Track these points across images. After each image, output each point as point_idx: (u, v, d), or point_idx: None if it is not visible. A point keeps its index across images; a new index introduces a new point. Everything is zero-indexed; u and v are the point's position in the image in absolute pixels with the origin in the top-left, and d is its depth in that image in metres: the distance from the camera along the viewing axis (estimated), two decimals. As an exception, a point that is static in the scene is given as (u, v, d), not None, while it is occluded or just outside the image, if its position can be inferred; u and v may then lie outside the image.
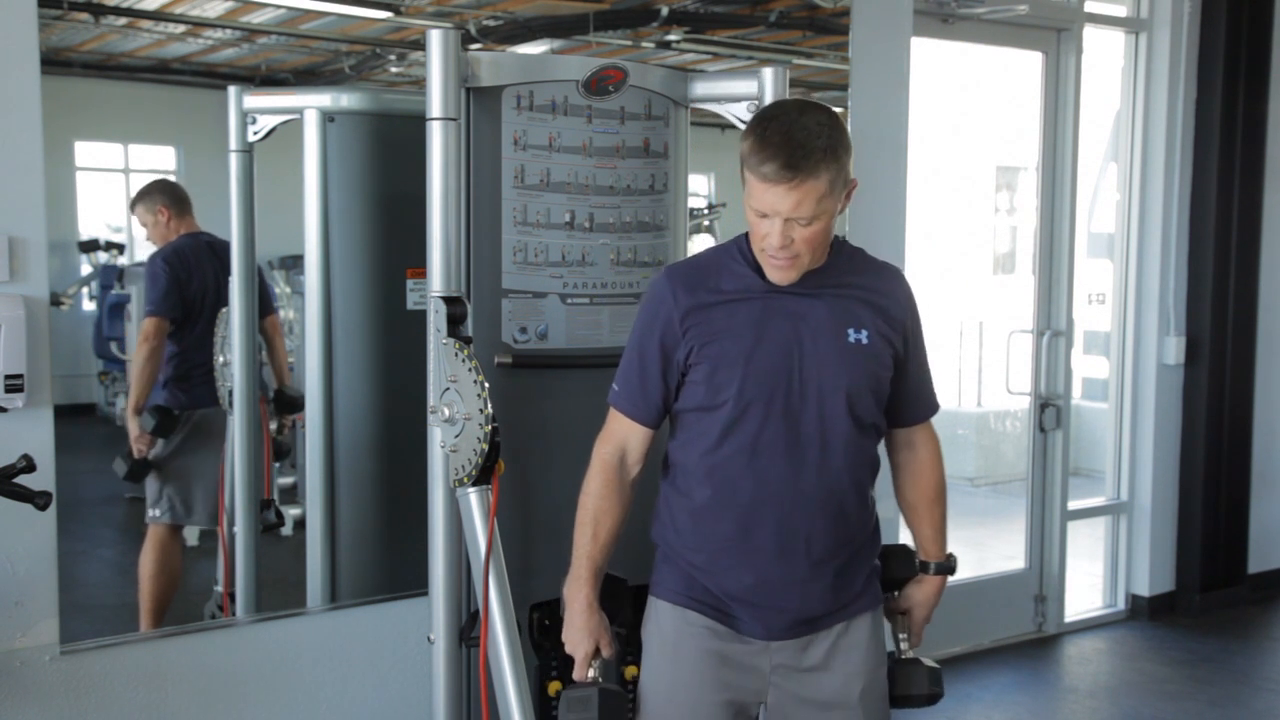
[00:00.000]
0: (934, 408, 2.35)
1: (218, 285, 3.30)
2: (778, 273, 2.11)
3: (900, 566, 2.40)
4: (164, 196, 3.26)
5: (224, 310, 3.29)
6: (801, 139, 1.98)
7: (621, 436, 2.25)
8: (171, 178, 3.44)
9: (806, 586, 2.18)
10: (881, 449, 2.31)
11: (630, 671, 2.90)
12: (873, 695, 2.27)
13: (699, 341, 2.14)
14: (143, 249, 3.47)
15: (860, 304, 2.18)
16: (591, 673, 2.27)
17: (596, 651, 2.27)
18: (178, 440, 3.32)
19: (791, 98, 2.16)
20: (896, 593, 2.41)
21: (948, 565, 2.40)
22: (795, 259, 2.07)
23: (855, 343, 2.15)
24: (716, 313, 2.14)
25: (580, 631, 2.25)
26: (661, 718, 2.27)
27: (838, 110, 2.28)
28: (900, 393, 2.25)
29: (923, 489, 2.35)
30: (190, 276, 3.29)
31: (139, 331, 3.28)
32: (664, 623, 2.26)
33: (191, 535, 3.50)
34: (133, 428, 3.24)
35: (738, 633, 2.21)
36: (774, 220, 2.03)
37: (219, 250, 3.26)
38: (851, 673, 2.24)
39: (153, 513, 3.31)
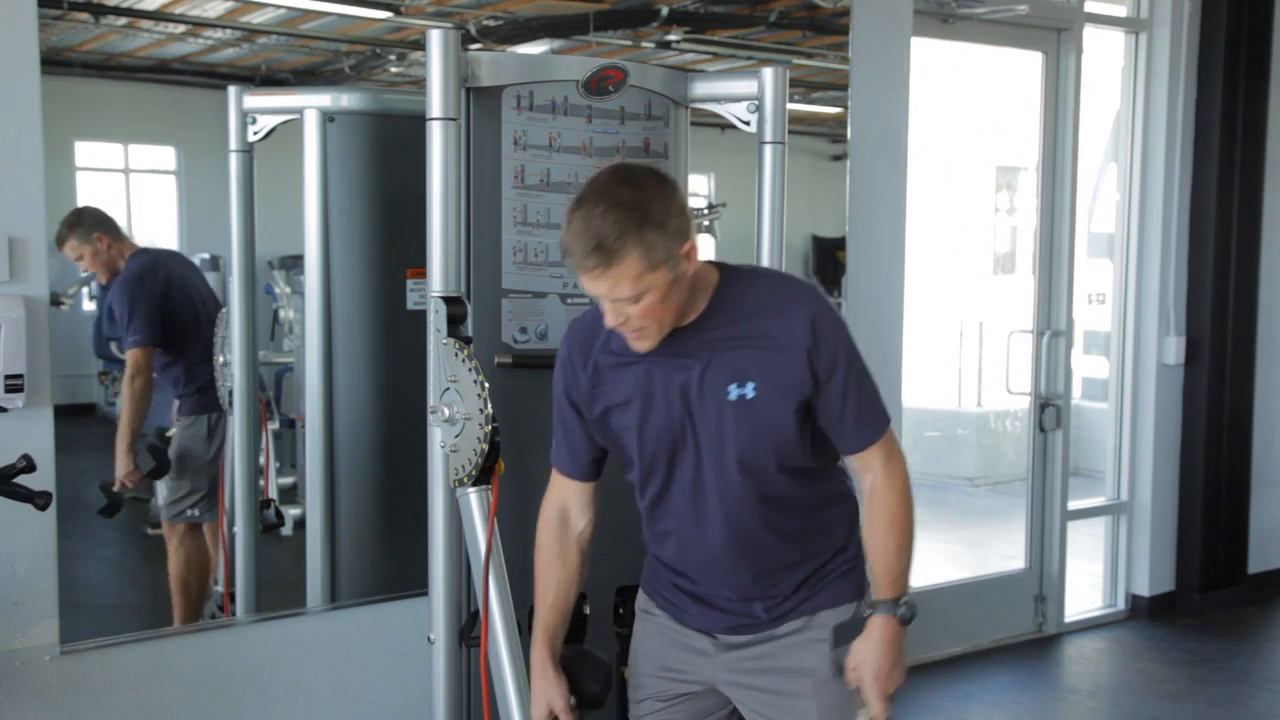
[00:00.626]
0: (873, 434, 2.12)
1: (201, 291, 3.31)
2: (634, 345, 2.07)
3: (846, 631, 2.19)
4: (97, 224, 3.14)
5: (224, 310, 3.29)
6: (599, 227, 1.92)
7: (559, 493, 2.29)
8: (173, 178, 3.44)
9: (748, 606, 2.20)
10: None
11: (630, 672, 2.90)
12: (828, 690, 2.20)
13: (600, 405, 2.17)
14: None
15: (744, 354, 2.06)
16: None
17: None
18: (217, 444, 3.34)
19: (612, 169, 2.03)
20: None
21: (895, 608, 2.12)
22: (641, 330, 2.03)
23: (739, 399, 2.06)
24: (609, 375, 2.15)
25: (534, 693, 2.27)
26: (633, 672, 2.37)
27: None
28: (830, 425, 2.10)
29: (871, 519, 2.15)
30: (169, 291, 3.27)
31: (127, 365, 3.19)
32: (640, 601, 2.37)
33: (191, 535, 3.51)
34: (123, 464, 3.17)
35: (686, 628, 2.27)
36: (604, 301, 2.00)
37: (180, 260, 3.28)
38: (803, 660, 2.21)
39: (192, 512, 3.34)
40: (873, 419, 2.12)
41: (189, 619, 3.25)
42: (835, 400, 2.08)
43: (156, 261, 3.26)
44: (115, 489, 3.16)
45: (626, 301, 1.97)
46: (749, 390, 2.05)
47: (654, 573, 2.32)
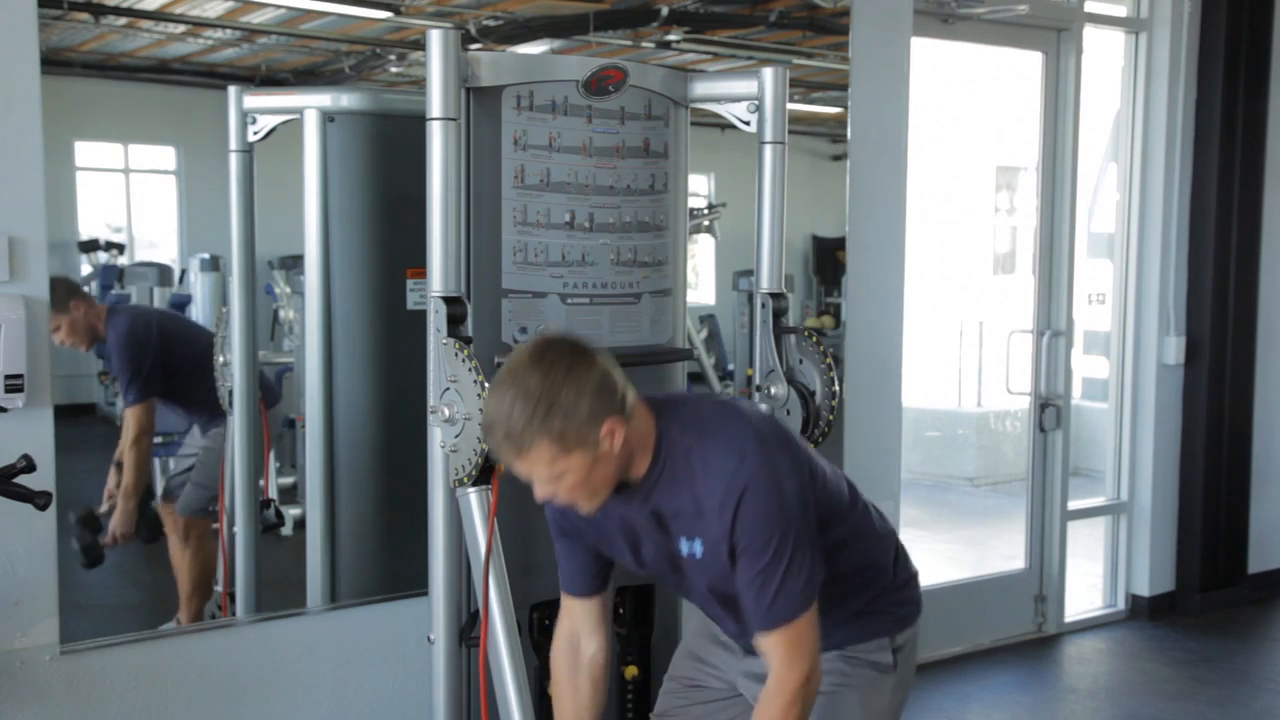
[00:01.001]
0: (773, 621, 2.02)
1: (186, 327, 3.36)
2: (578, 508, 2.07)
3: None
4: (70, 293, 3.05)
5: (224, 310, 3.29)
6: (508, 417, 1.92)
7: (568, 620, 2.31)
8: (173, 178, 3.44)
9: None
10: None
11: (630, 671, 2.90)
12: (833, 710, 2.22)
13: (592, 539, 2.20)
14: (142, 250, 3.47)
15: (685, 515, 2.05)
16: None
17: None
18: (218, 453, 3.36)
19: (530, 346, 1.99)
20: None
21: None
22: (574, 500, 2.02)
23: (689, 555, 2.07)
24: (592, 522, 2.15)
25: None
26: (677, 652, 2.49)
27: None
28: (742, 592, 2.05)
29: (757, 711, 2.08)
30: (161, 338, 3.27)
31: (131, 426, 3.17)
32: None
33: (191, 535, 3.50)
34: (125, 524, 3.14)
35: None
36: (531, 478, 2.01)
37: (153, 310, 3.30)
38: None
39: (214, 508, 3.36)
40: (782, 607, 2.01)
41: (196, 618, 3.26)
42: (744, 576, 2.02)
43: (136, 314, 3.25)
44: (103, 542, 3.12)
45: (545, 482, 1.98)
46: (696, 548, 2.06)
47: None
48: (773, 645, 2.03)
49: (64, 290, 2.99)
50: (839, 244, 4.28)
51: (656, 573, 2.20)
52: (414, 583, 2.95)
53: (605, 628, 2.29)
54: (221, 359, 3.32)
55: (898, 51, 4.25)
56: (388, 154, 3.34)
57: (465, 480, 2.43)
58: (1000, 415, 8.23)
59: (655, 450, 2.04)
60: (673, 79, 2.88)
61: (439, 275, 2.52)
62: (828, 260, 4.41)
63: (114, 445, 3.27)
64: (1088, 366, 6.51)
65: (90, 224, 3.33)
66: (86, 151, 3.26)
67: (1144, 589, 5.29)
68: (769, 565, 1.99)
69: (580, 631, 2.29)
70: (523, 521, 2.71)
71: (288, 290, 3.58)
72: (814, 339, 3.01)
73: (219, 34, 3.27)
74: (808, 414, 2.97)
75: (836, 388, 2.98)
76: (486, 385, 2.38)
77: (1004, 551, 5.57)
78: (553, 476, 1.96)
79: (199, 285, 3.50)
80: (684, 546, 2.07)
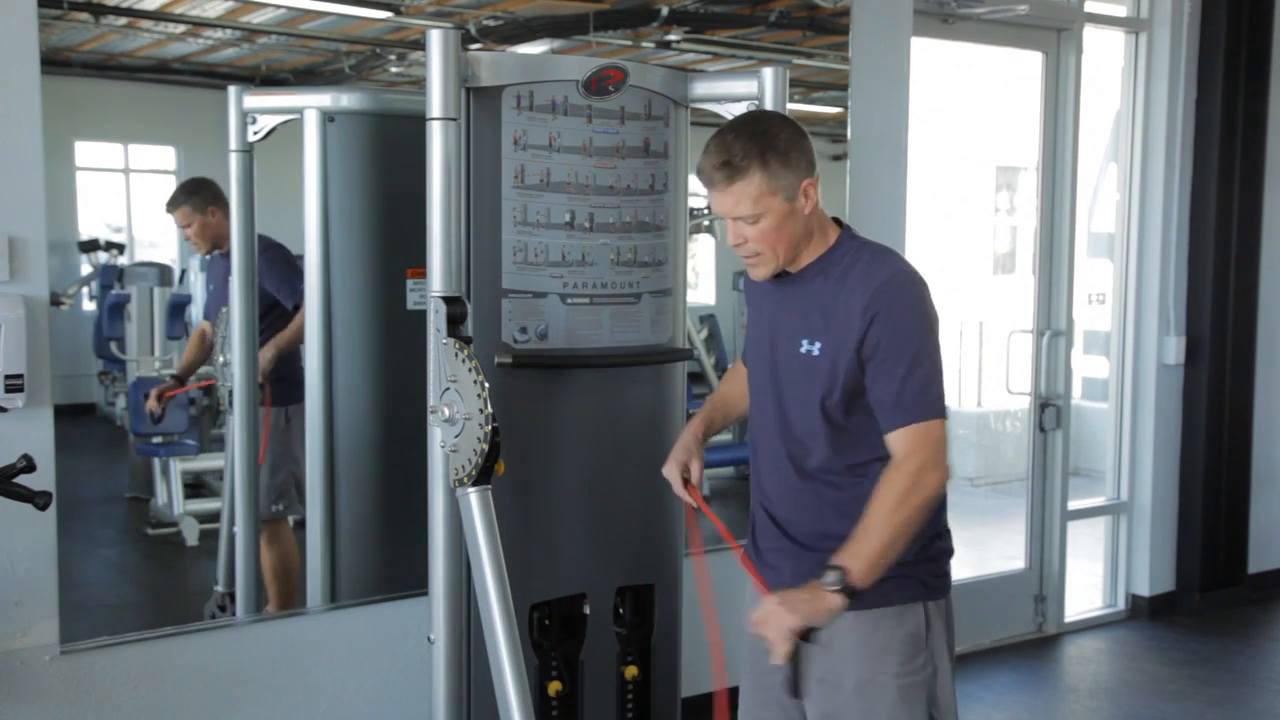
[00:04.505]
0: (903, 420, 2.13)
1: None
2: (750, 271, 2.29)
3: None
4: (214, 199, 3.24)
5: (224, 310, 3.30)
6: (729, 146, 2.16)
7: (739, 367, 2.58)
8: (173, 178, 3.44)
9: (795, 559, 2.30)
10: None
11: (630, 672, 2.90)
12: (872, 692, 2.24)
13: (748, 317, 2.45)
14: (142, 250, 3.48)
15: (820, 311, 2.23)
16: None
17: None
18: (287, 438, 3.39)
19: (749, 112, 2.32)
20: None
21: (830, 573, 2.07)
22: (758, 256, 2.23)
23: (806, 354, 2.24)
24: (754, 298, 2.41)
25: (675, 452, 2.50)
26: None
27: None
28: (873, 400, 2.17)
29: (875, 494, 2.13)
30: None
31: (296, 321, 3.33)
32: None
33: (191, 535, 3.51)
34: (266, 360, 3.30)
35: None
36: (728, 221, 2.22)
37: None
38: (849, 657, 2.24)
39: (277, 507, 3.40)
40: (912, 404, 2.13)
41: (286, 605, 3.35)
42: (871, 378, 2.17)
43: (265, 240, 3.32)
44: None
45: (745, 222, 2.18)
46: (815, 348, 2.22)
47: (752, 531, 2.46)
48: (899, 437, 2.15)
49: (209, 193, 3.23)
50: (839, 244, 4.28)
51: (753, 363, 2.38)
52: (414, 583, 2.95)
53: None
54: (222, 359, 3.32)
55: (897, 51, 4.25)
56: (388, 154, 3.35)
57: (465, 480, 2.43)
58: (1000, 415, 8.23)
59: (829, 248, 2.26)
60: (673, 79, 2.88)
61: (439, 275, 2.52)
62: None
63: (114, 445, 3.28)
64: (1088, 366, 6.51)
65: (90, 224, 3.34)
66: (86, 151, 3.27)
67: (1144, 589, 5.29)
68: (907, 368, 2.14)
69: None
70: (523, 521, 2.71)
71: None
72: (814, 339, 3.01)
73: (219, 34, 3.27)
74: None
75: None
76: (486, 385, 2.38)
77: (1004, 551, 5.57)
78: (751, 215, 2.16)
79: (199, 285, 3.50)
80: (804, 346, 2.23)
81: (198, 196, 3.26)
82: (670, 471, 2.47)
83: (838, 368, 2.19)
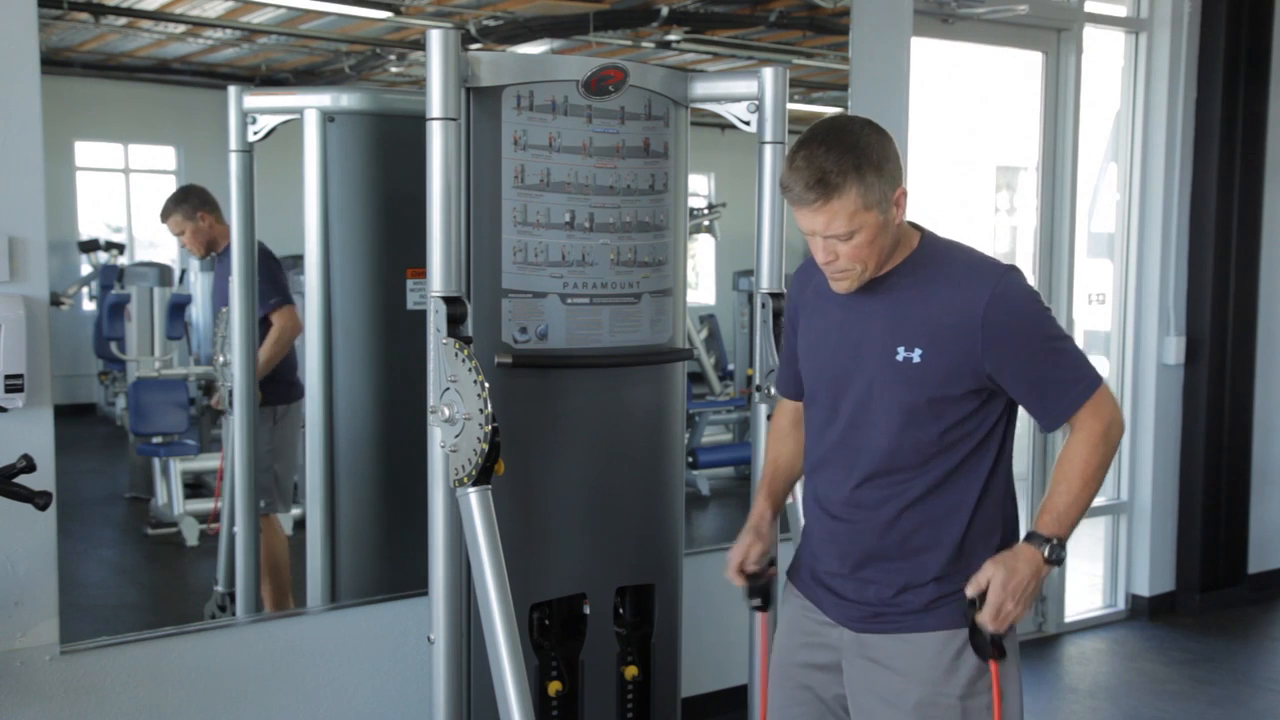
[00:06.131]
0: (1069, 408, 2.14)
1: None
2: (835, 284, 2.18)
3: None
4: (202, 204, 3.30)
5: (224, 310, 3.30)
6: (822, 163, 2.03)
7: (786, 407, 2.48)
8: (173, 178, 3.44)
9: (856, 583, 2.25)
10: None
11: (630, 672, 2.90)
12: (934, 714, 2.19)
13: (803, 333, 2.33)
14: (142, 250, 3.48)
15: (918, 318, 2.13)
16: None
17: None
18: (272, 437, 3.39)
19: (830, 119, 2.16)
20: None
21: (1045, 543, 2.24)
22: (847, 272, 2.13)
23: (904, 361, 2.13)
24: (814, 308, 2.30)
25: (741, 538, 2.40)
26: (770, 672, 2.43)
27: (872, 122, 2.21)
28: (1025, 402, 2.16)
29: (1060, 460, 2.20)
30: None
31: (280, 324, 3.35)
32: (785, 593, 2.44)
33: (191, 535, 3.51)
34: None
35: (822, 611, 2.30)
36: (817, 238, 2.11)
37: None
38: (911, 676, 2.20)
39: (259, 505, 3.39)
40: (1068, 394, 2.13)
41: (279, 602, 3.35)
42: (1015, 378, 2.12)
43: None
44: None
45: (839, 239, 2.08)
46: (915, 355, 2.13)
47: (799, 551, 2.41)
48: (1082, 414, 2.13)
49: (197, 200, 3.29)
50: (839, 244, 4.27)
51: (815, 380, 2.28)
52: (414, 583, 2.95)
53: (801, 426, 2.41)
54: (221, 359, 3.32)
55: (898, 51, 4.25)
56: (388, 154, 3.35)
57: (465, 480, 2.43)
58: (1000, 415, 8.21)
59: (914, 250, 2.17)
60: (673, 79, 2.88)
61: (439, 275, 2.52)
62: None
63: (114, 445, 3.28)
64: (1088, 366, 6.49)
65: (90, 224, 3.34)
66: (86, 151, 3.27)
67: (1144, 589, 5.29)
68: (1056, 353, 2.12)
69: (792, 416, 2.45)
70: (523, 521, 2.71)
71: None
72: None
73: (219, 34, 3.27)
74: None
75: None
76: (486, 385, 2.38)
77: (1004, 551, 5.57)
78: (846, 232, 2.06)
79: (199, 285, 3.50)
80: (901, 353, 2.13)
81: (186, 204, 3.29)
82: (733, 554, 2.37)
83: (947, 373, 2.11)
